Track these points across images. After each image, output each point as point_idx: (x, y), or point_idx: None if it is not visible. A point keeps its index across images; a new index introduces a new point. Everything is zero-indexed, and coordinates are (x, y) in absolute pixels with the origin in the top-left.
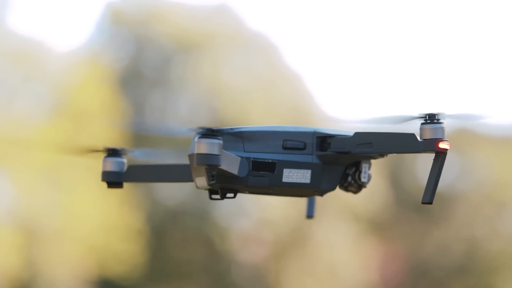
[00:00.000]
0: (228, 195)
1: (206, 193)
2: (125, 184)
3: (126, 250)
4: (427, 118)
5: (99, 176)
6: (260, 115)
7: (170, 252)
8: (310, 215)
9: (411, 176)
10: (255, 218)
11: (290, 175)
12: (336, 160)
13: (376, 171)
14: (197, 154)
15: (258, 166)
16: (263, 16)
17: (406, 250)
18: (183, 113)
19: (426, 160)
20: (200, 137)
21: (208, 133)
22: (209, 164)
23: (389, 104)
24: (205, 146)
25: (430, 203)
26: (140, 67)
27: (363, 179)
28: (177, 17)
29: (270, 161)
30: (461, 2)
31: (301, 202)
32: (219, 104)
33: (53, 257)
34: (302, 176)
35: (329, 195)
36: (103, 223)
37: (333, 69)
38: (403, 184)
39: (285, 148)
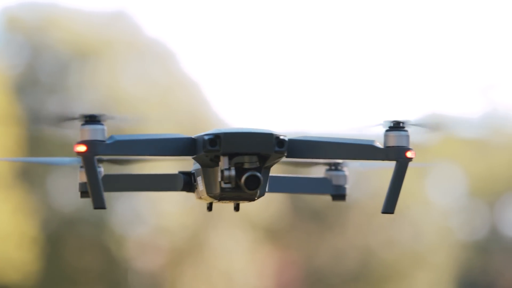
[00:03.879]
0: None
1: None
2: (21, 191)
3: (21, 258)
4: (87, 118)
5: None
6: (157, 121)
7: (65, 260)
8: (384, 210)
9: None
10: (151, 225)
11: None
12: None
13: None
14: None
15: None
16: (160, 23)
17: (302, 257)
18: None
19: (320, 168)
20: (81, 166)
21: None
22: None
23: (285, 109)
24: (82, 175)
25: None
26: (37, 73)
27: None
28: (74, 24)
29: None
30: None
31: (198, 210)
32: (116, 110)
33: None
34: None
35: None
36: None
37: (229, 75)
38: None
39: None
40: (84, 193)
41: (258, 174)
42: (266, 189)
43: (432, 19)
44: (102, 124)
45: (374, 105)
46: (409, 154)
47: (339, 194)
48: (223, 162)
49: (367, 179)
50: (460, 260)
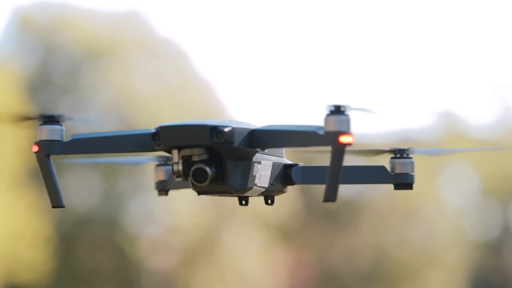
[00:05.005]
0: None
1: (116, 199)
2: (34, 191)
3: (34, 258)
4: (45, 118)
5: (5, 179)
6: (170, 121)
7: (79, 260)
8: (325, 199)
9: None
10: (164, 225)
11: None
12: None
13: None
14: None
15: None
16: (172, 23)
17: (315, 257)
18: (93, 120)
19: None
20: (156, 165)
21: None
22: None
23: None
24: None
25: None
26: (50, 73)
27: None
28: (87, 24)
29: None
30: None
31: (211, 209)
32: (129, 110)
33: None
34: None
35: (237, 202)
36: (10, 230)
37: (243, 75)
38: (312, 192)
39: None
40: (160, 191)
41: (204, 167)
42: (269, 181)
43: (446, 19)
44: (60, 124)
45: (385, 105)
46: (342, 139)
47: (405, 183)
48: (173, 155)
49: None
50: (473, 260)
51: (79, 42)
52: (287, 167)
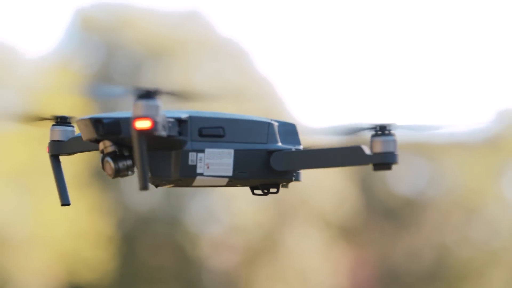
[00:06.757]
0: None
1: (177, 198)
2: (95, 191)
3: (96, 257)
4: (58, 120)
5: (68, 178)
6: None
7: (140, 259)
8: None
9: (381, 182)
10: (226, 224)
11: None
12: None
13: (346, 177)
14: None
15: None
16: (233, 22)
17: (377, 256)
18: None
19: (396, 166)
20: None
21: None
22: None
23: (359, 111)
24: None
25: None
26: (111, 73)
27: None
28: (148, 23)
29: None
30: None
31: (272, 208)
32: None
33: (23, 264)
34: None
35: (298, 201)
36: (73, 229)
37: (304, 74)
38: (374, 190)
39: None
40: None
41: (107, 159)
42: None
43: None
44: (71, 126)
45: (451, 102)
46: (137, 124)
47: (386, 162)
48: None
49: (441, 176)
50: None
51: (140, 42)
52: (270, 152)
